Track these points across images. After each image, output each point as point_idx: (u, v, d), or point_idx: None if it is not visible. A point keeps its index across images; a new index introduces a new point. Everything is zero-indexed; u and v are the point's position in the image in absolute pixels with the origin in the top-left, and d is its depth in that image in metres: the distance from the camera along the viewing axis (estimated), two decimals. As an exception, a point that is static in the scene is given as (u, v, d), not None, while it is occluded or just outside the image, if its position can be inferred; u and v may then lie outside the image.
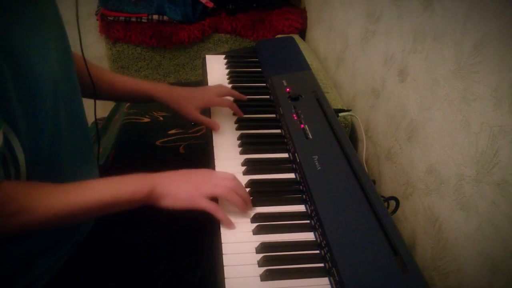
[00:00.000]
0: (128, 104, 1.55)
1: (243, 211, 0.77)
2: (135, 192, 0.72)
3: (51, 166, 0.74)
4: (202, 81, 1.27)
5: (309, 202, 0.78)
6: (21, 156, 0.65)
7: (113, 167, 1.08)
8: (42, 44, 0.69)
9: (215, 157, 0.90)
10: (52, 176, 0.72)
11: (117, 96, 1.03)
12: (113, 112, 1.59)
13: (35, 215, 0.64)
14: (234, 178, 0.79)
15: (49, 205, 0.65)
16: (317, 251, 0.71)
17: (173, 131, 1.34)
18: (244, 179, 0.84)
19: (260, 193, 0.82)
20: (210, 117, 1.04)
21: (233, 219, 0.76)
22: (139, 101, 1.03)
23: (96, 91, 0.90)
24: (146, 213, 0.81)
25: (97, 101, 0.95)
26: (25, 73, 0.64)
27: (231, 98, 1.06)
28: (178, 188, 0.75)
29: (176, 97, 0.99)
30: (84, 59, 0.87)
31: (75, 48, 0.85)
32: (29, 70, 0.65)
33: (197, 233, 0.89)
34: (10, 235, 0.67)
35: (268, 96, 1.12)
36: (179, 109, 0.99)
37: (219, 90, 1.05)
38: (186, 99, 0.99)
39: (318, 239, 0.73)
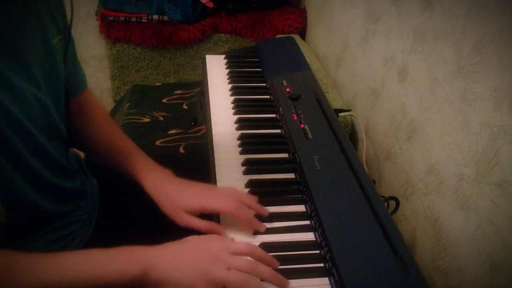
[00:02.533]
0: (128, 104, 1.55)
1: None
2: (123, 273, 0.60)
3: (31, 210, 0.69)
4: (202, 80, 1.27)
5: (309, 202, 0.78)
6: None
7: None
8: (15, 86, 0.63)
9: (215, 157, 0.90)
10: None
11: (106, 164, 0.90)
12: (113, 112, 1.60)
13: None
14: (253, 251, 0.65)
15: (12, 285, 0.55)
16: (317, 251, 0.71)
17: (173, 131, 1.34)
18: (244, 179, 0.84)
19: (260, 193, 0.81)
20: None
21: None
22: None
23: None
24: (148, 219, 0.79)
25: (97, 100, 0.94)
26: None
27: None
28: (181, 273, 0.62)
29: (162, 194, 0.78)
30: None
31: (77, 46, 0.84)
32: None
33: (197, 232, 0.88)
34: None
35: (268, 96, 1.12)
36: (164, 209, 0.78)
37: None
38: (175, 199, 0.77)
39: (318, 239, 0.73)
